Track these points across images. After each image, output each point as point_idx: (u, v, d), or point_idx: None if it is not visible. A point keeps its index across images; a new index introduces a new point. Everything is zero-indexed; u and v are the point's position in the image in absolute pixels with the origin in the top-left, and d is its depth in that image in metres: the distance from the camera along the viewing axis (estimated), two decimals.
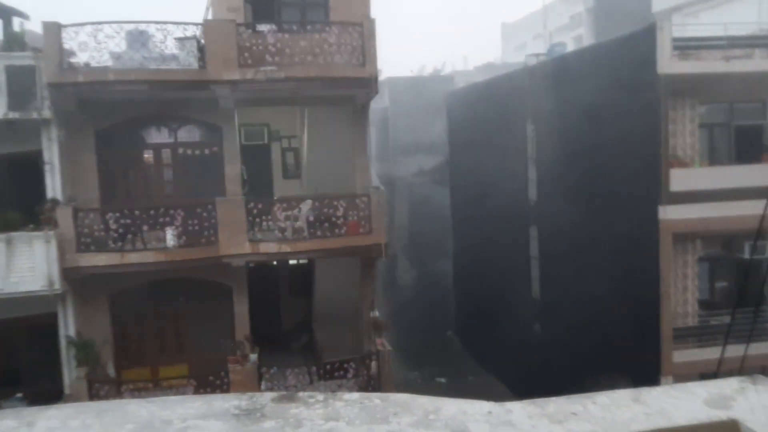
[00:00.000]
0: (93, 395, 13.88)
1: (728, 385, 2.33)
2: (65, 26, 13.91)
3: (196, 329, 16.38)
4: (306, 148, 18.28)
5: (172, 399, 2.59)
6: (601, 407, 2.22)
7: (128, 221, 14.46)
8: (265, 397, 2.55)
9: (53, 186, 14.55)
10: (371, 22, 15.06)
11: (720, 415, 2.13)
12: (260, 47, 14.59)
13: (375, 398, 2.47)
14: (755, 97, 17.27)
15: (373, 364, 15.41)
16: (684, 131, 16.64)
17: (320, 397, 2.52)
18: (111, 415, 2.44)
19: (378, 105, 28.09)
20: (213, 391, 14.07)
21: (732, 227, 15.76)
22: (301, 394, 2.56)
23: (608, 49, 18.49)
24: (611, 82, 17.56)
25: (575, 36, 41.18)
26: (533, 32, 49.25)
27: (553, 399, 2.33)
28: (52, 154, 14.49)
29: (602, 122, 17.90)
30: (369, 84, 15.18)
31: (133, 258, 14.28)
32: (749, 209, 14.43)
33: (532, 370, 21.81)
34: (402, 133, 31.33)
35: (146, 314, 16.17)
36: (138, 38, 14.34)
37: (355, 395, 2.52)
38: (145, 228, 14.54)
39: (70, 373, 14.54)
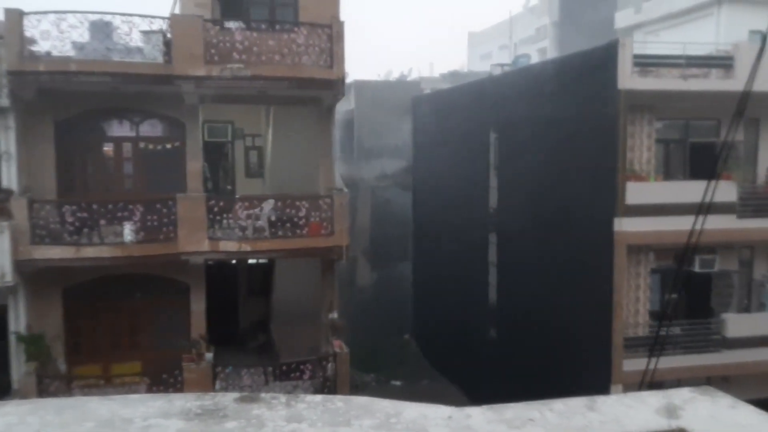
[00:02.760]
0: (42, 391, 13.56)
1: (679, 395, 2.43)
2: (27, 14, 13.59)
3: (151, 326, 16.14)
4: (270, 148, 18.19)
5: (133, 397, 2.58)
6: (557, 414, 2.30)
7: (85, 214, 14.19)
8: (228, 398, 2.56)
9: (8, 176, 14.20)
10: (340, 24, 15.07)
11: (671, 424, 2.22)
12: (228, 44, 14.48)
13: (337, 401, 2.50)
14: (710, 116, 17.76)
15: (330, 365, 15.39)
16: (641, 146, 17.03)
17: (283, 398, 2.54)
18: (70, 412, 2.42)
19: (343, 107, 28.08)
20: (166, 390, 13.89)
21: (684, 241, 16.16)
22: (263, 395, 2.58)
23: (571, 62, 18.83)
24: (573, 95, 17.89)
25: (540, 48, 41.84)
26: (499, 42, 49.86)
27: (511, 405, 2.39)
28: (8, 143, 14.15)
29: (563, 134, 18.22)
30: (336, 86, 15.20)
31: (89, 252, 14.01)
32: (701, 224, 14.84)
33: (487, 375, 22.05)
34: (367, 136, 31.37)
35: (100, 310, 15.86)
36: (102, 29, 14.08)
37: (318, 397, 2.54)
38: (102, 222, 14.29)
39: (19, 368, 14.19)
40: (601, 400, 2.40)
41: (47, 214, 14.05)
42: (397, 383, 25.73)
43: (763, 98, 14.42)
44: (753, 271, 18.69)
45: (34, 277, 14.44)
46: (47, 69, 13.70)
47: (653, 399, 2.41)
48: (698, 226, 7.21)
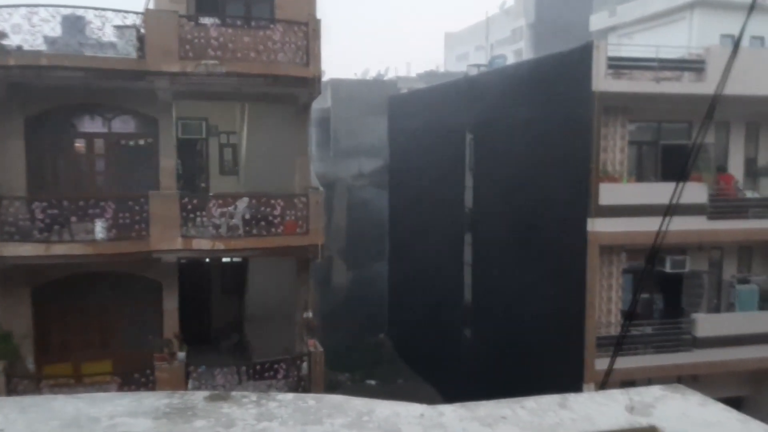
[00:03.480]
0: (11, 390, 13.32)
1: (650, 393, 2.44)
2: None
3: (123, 325, 15.94)
4: (245, 145, 18.06)
5: (101, 396, 2.53)
6: (529, 412, 2.30)
7: (56, 211, 13.96)
8: (198, 396, 2.52)
9: None
10: (317, 22, 15.01)
11: (641, 421, 2.24)
12: (202, 40, 14.34)
13: (309, 399, 2.47)
14: (682, 118, 18.00)
15: (304, 365, 15.33)
16: (614, 147, 17.20)
17: (253, 397, 2.51)
18: (36, 410, 2.37)
19: (320, 105, 28.00)
20: (138, 389, 13.72)
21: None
22: (234, 393, 2.54)
23: (546, 64, 18.97)
24: (548, 96, 18.02)
25: (515, 49, 42.16)
26: (475, 43, 50.16)
27: (484, 403, 2.39)
28: None
29: (538, 134, 18.34)
30: (312, 84, 15.12)
31: (60, 249, 13.79)
32: (672, 225, 15.06)
33: (461, 374, 22.13)
34: (343, 134, 31.35)
35: (71, 308, 15.62)
36: (75, 24, 13.86)
37: (289, 396, 2.52)
38: (73, 219, 14.07)
39: None
40: (572, 398, 2.41)
41: (17, 210, 13.80)
42: (372, 383, 25.73)
43: (733, 101, 14.65)
44: (722, 272, 18.99)
45: (2, 274, 14.18)
46: (18, 63, 13.44)
47: (624, 397, 2.43)
48: (668, 227, 7.27)
